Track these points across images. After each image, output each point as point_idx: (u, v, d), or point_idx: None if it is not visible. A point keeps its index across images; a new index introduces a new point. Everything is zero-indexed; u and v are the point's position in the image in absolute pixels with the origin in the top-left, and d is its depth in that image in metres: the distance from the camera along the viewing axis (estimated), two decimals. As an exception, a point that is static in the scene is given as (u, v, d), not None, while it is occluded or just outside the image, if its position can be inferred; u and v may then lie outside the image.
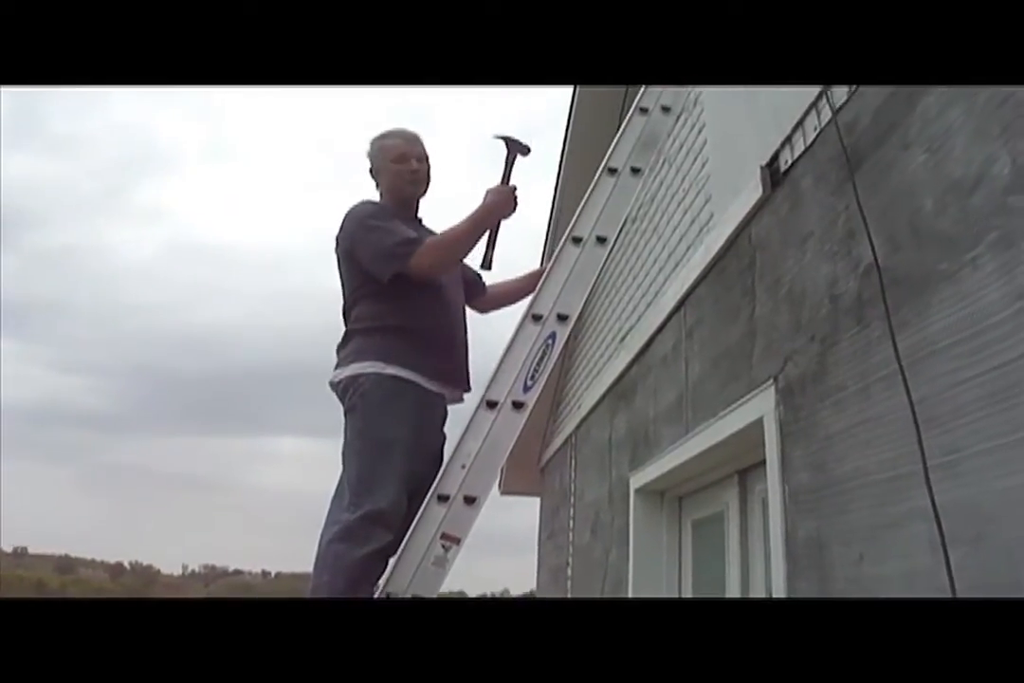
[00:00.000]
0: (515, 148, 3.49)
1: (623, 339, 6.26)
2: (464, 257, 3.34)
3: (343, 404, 3.10)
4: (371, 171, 3.54)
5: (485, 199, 3.23)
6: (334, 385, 3.15)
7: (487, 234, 3.33)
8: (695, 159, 4.79)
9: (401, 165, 3.45)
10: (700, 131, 4.71)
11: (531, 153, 3.52)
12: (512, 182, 3.40)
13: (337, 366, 3.18)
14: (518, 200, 3.35)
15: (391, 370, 3.02)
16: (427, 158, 3.56)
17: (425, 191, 3.57)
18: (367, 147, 3.58)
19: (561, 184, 8.56)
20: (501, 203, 3.26)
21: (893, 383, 2.31)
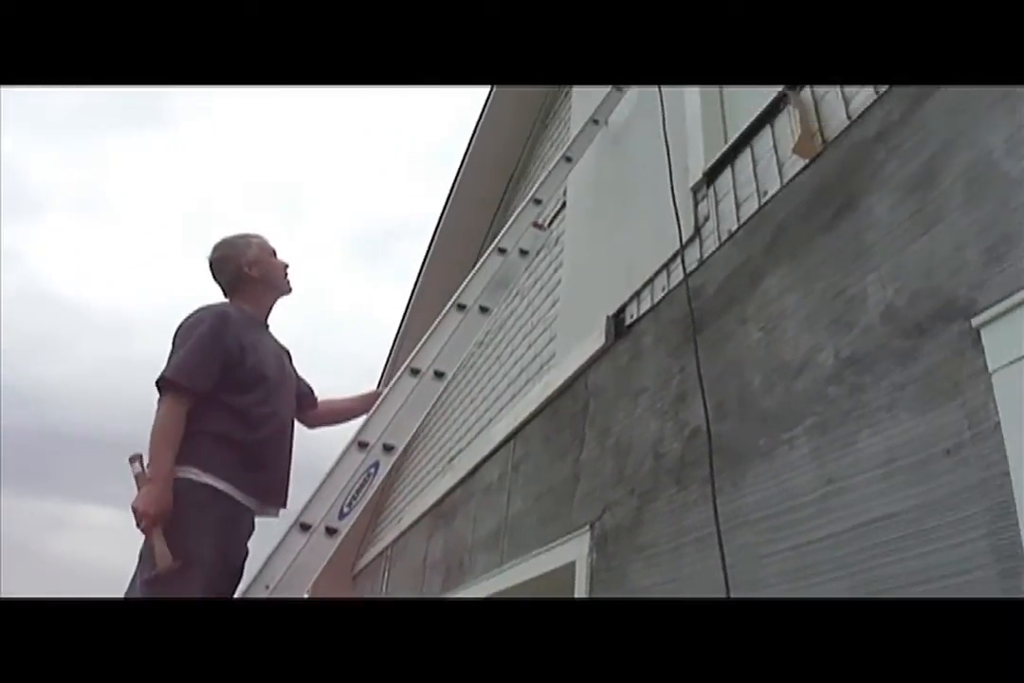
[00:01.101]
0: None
1: (451, 460, 6.27)
2: (151, 447, 3.14)
3: None
4: (241, 267, 3.42)
5: (164, 503, 2.83)
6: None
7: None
8: (547, 296, 4.91)
9: (278, 259, 3.43)
10: (557, 270, 4.84)
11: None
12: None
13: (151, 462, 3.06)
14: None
15: (206, 479, 2.91)
16: None
17: (291, 291, 3.53)
18: (221, 249, 3.47)
19: (411, 307, 8.62)
20: (150, 512, 2.79)
21: (706, 545, 2.37)
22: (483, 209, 7.65)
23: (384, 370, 9.22)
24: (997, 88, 1.95)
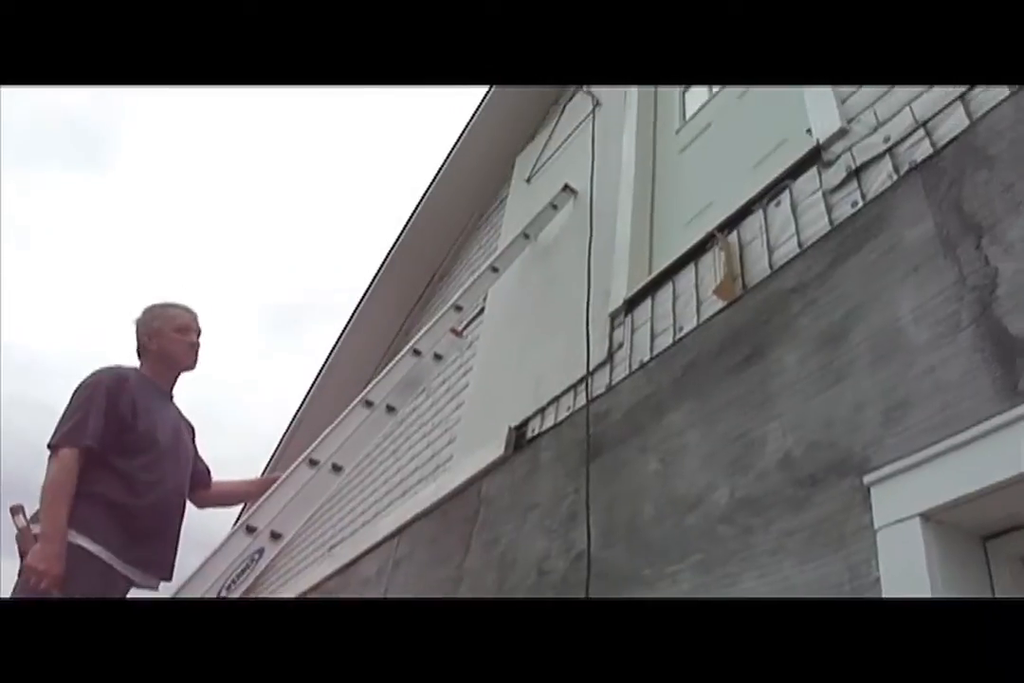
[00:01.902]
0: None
1: (332, 548, 6.17)
2: (43, 503, 2.97)
3: (20, 558, 2.89)
4: (143, 336, 3.44)
5: (55, 566, 2.77)
6: (19, 532, 2.95)
7: None
8: (452, 398, 4.93)
9: (184, 336, 3.41)
10: (466, 373, 4.88)
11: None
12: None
13: (32, 519, 2.98)
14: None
15: (81, 541, 2.84)
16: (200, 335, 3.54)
17: (194, 367, 3.52)
18: (140, 314, 3.48)
19: (314, 389, 8.57)
20: (44, 575, 2.73)
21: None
22: (403, 301, 7.69)
23: (277, 448, 9.09)
24: (909, 260, 2.07)
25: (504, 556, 3.14)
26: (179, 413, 3.48)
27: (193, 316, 3.52)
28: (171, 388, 3.49)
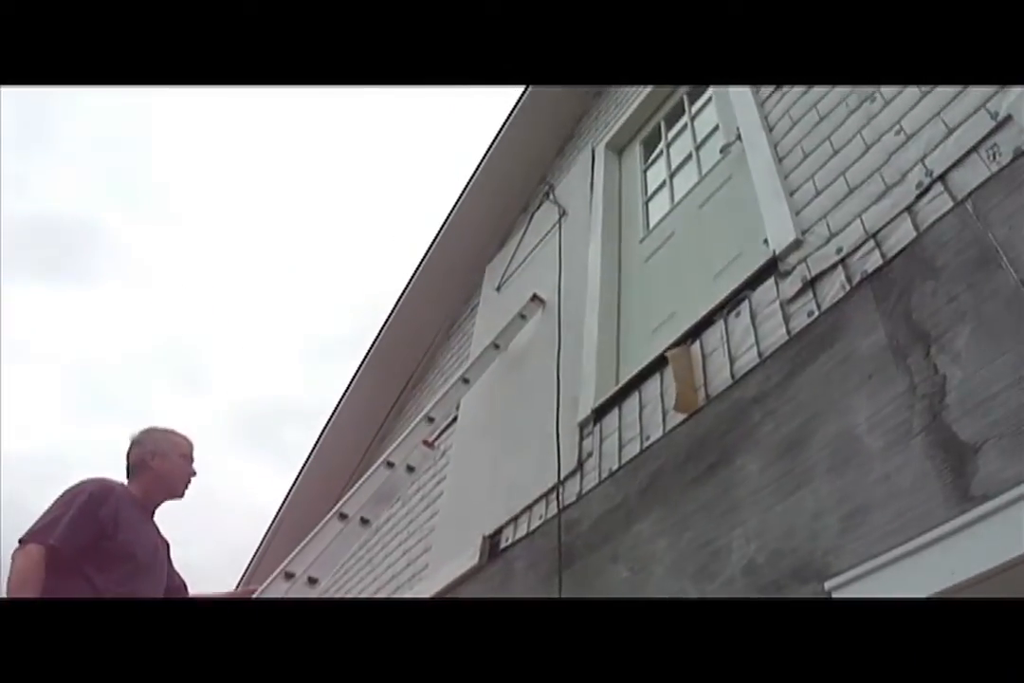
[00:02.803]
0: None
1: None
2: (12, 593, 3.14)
3: None
4: (146, 455, 3.46)
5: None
6: None
7: None
8: (427, 507, 4.93)
9: (187, 463, 3.45)
10: (440, 482, 4.90)
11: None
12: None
13: None
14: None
15: None
16: None
17: (182, 498, 3.55)
18: (141, 433, 3.53)
19: (291, 496, 8.54)
20: None
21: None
22: (377, 408, 7.73)
23: (252, 559, 9.00)
24: (862, 369, 2.14)
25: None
26: (158, 531, 3.50)
27: (191, 447, 3.56)
28: (154, 509, 3.51)
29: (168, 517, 3.62)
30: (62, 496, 3.17)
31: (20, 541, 2.98)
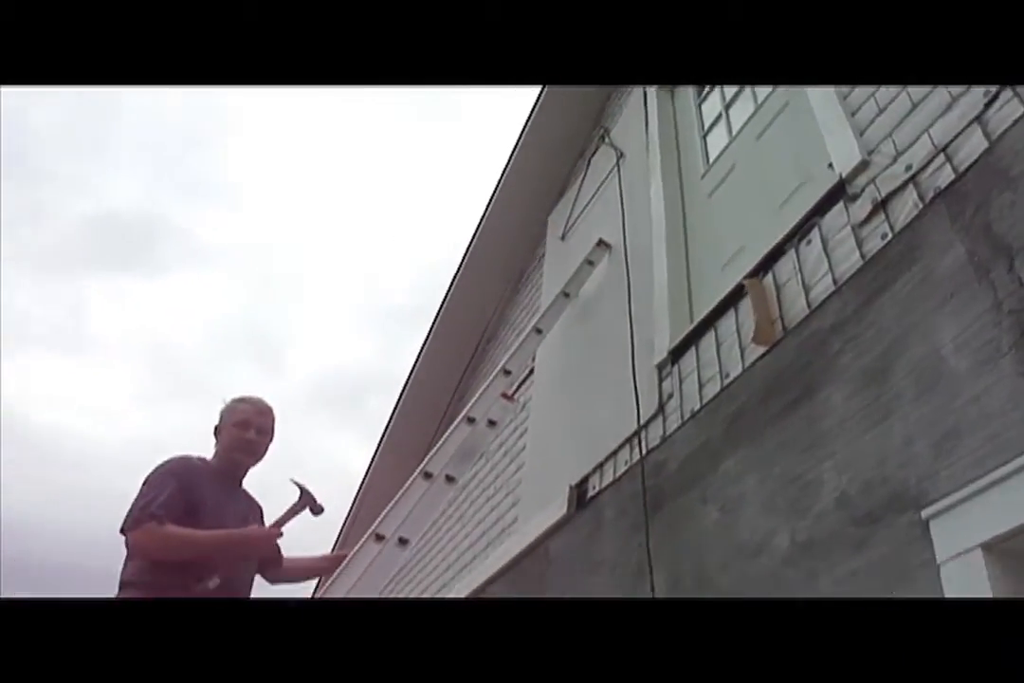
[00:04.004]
0: (306, 500, 3.40)
1: (406, 620, 6.15)
2: (182, 559, 3.10)
3: None
4: (215, 427, 3.55)
5: (249, 531, 3.15)
6: None
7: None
8: (511, 461, 4.95)
9: (240, 431, 3.47)
10: (522, 436, 4.90)
11: (322, 513, 3.43)
12: (285, 528, 3.30)
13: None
14: (278, 548, 3.35)
15: None
16: (270, 432, 3.58)
17: (255, 462, 3.56)
18: (223, 406, 3.58)
19: (375, 462, 8.61)
20: (257, 541, 3.14)
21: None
22: (452, 368, 7.74)
23: (344, 523, 9.13)
24: (943, 289, 2.07)
25: (577, 616, 3.13)
26: (247, 498, 3.54)
27: (259, 412, 3.57)
28: (240, 478, 3.55)
29: (257, 490, 3.67)
30: (147, 478, 3.22)
31: (123, 531, 3.04)
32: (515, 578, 3.97)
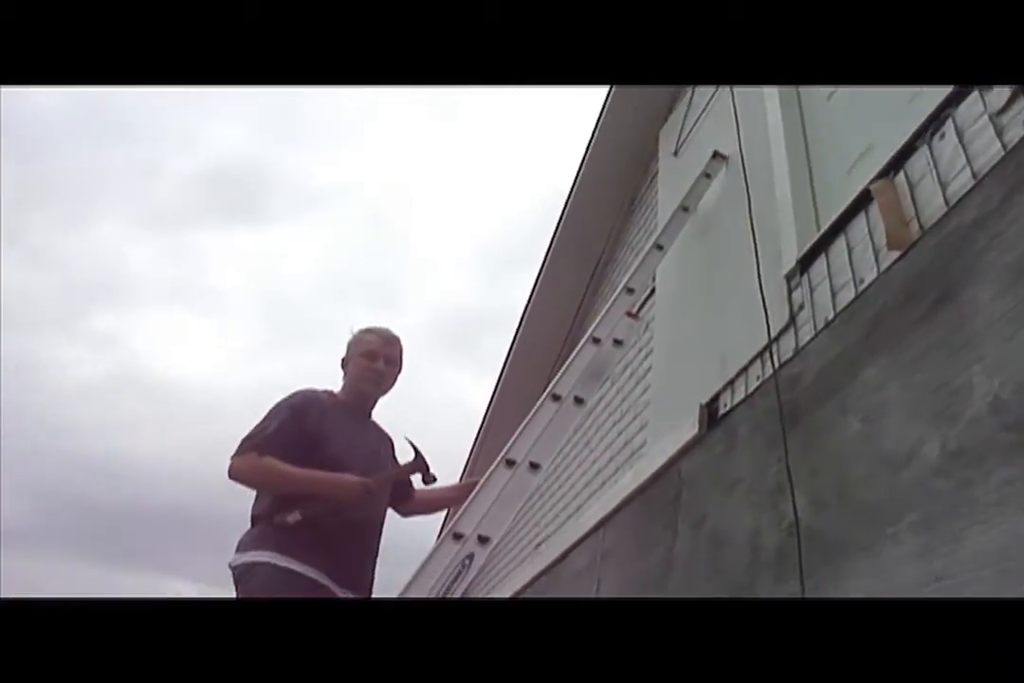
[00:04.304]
0: (418, 465, 3.36)
1: (539, 546, 6.19)
2: (276, 493, 3.21)
3: (236, 589, 2.99)
4: (343, 359, 3.57)
5: (341, 479, 3.10)
6: (231, 569, 3.05)
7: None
8: (637, 383, 4.88)
9: (368, 362, 3.46)
10: (647, 357, 4.82)
11: (434, 483, 3.41)
12: (387, 484, 3.33)
13: (237, 549, 3.08)
14: (410, 482, 3.32)
15: (287, 563, 2.91)
16: (398, 362, 3.57)
17: (384, 392, 3.56)
18: (349, 339, 3.59)
19: (497, 396, 8.63)
20: (347, 490, 3.07)
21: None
22: (570, 296, 7.67)
23: (469, 458, 9.23)
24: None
25: (713, 536, 3.07)
26: (378, 431, 3.55)
27: (387, 342, 3.55)
28: (369, 409, 3.55)
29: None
30: (271, 408, 3.25)
31: (234, 453, 3.09)
32: (647, 501, 3.92)
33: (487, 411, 9.06)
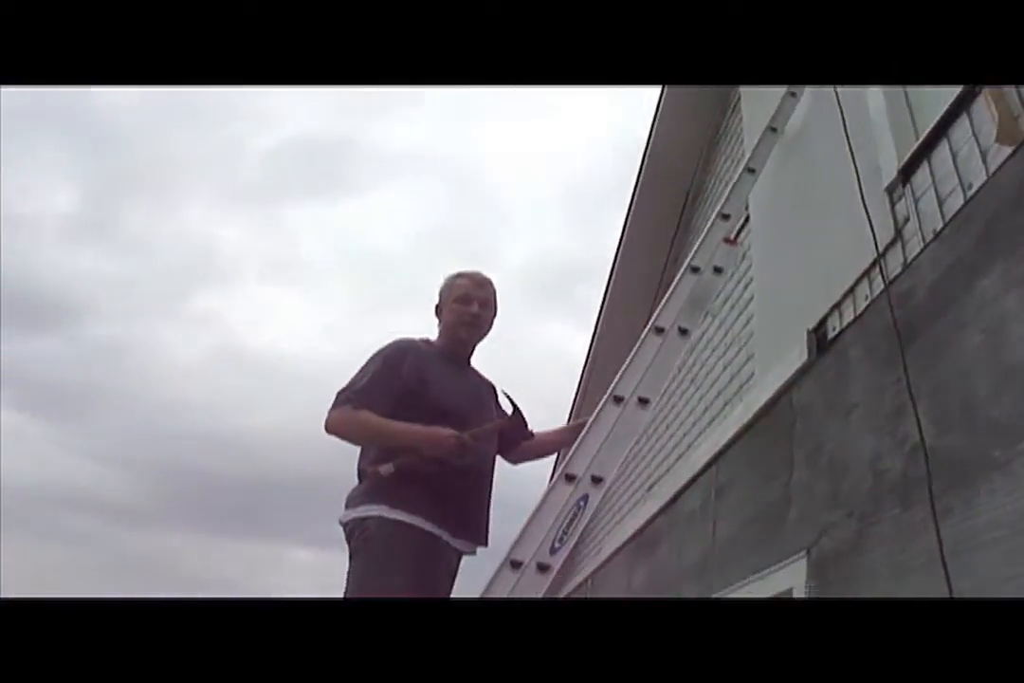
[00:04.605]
0: (516, 422, 3.26)
1: (650, 488, 6.13)
2: (370, 445, 3.17)
3: (348, 546, 2.98)
4: (436, 306, 3.53)
5: (435, 433, 2.99)
6: (342, 525, 3.04)
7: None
8: (739, 314, 4.77)
9: (462, 306, 3.40)
10: (747, 286, 4.70)
11: (531, 439, 3.35)
12: (482, 441, 3.16)
13: (346, 506, 3.07)
14: (464, 454, 3.20)
15: (398, 516, 2.89)
16: (492, 305, 3.50)
17: (481, 337, 3.49)
18: (441, 285, 3.53)
19: (600, 326, 8.57)
20: (439, 444, 2.97)
21: (934, 571, 2.18)
22: (662, 233, 7.54)
23: (572, 408, 9.21)
24: None
25: (832, 465, 2.97)
26: (477, 376, 3.49)
27: (479, 285, 3.48)
28: (467, 356, 3.50)
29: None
30: (367, 360, 3.22)
31: (331, 406, 3.08)
32: (760, 434, 3.83)
33: (587, 359, 9.01)
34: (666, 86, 6.81)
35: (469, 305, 3.41)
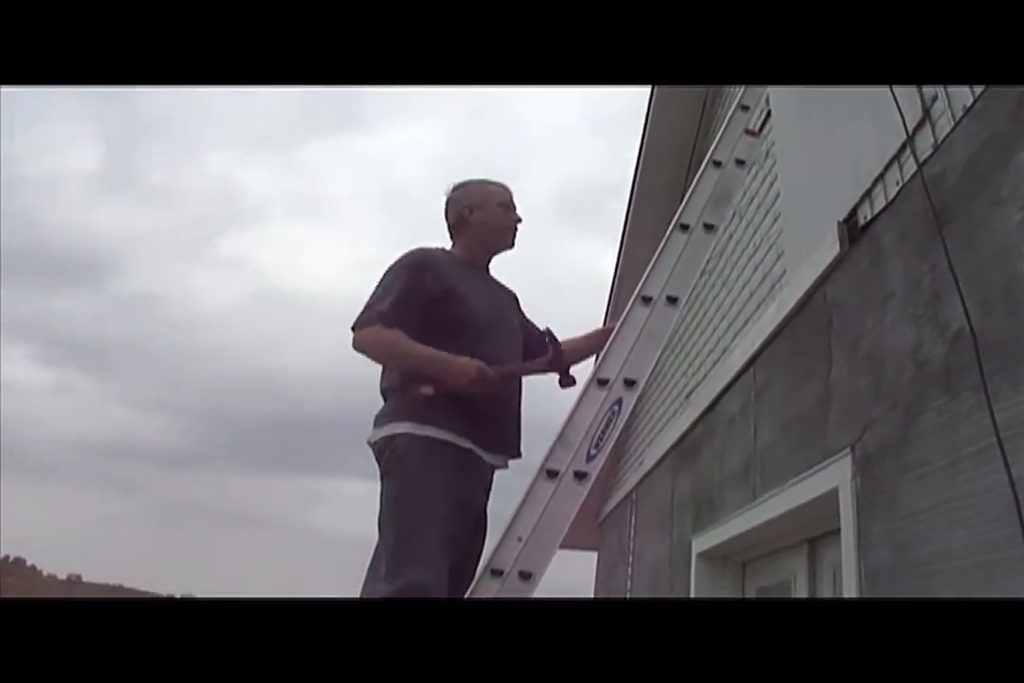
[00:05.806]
0: (556, 363, 3.06)
1: (688, 396, 6.09)
2: (397, 367, 3.09)
3: (379, 466, 2.94)
4: (464, 210, 3.36)
5: (462, 362, 2.88)
6: (371, 445, 3.00)
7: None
8: (766, 213, 4.66)
9: (507, 211, 3.32)
10: (772, 184, 4.59)
11: (572, 386, 3.06)
12: (517, 377, 3.15)
13: (374, 426, 3.02)
14: (489, 386, 3.09)
15: (427, 431, 2.84)
16: None
17: (511, 246, 3.40)
18: (454, 190, 3.39)
19: (626, 239, 8.47)
20: (469, 379, 2.86)
21: (986, 459, 2.12)
22: (682, 135, 7.39)
23: (608, 302, 9.15)
24: None
25: (871, 358, 2.89)
26: (498, 286, 3.42)
27: (511, 194, 3.40)
28: (486, 263, 3.42)
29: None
30: (386, 272, 3.14)
31: (353, 328, 3.00)
32: (796, 332, 3.75)
33: (615, 275, 8.94)
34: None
35: (513, 212, 3.34)
